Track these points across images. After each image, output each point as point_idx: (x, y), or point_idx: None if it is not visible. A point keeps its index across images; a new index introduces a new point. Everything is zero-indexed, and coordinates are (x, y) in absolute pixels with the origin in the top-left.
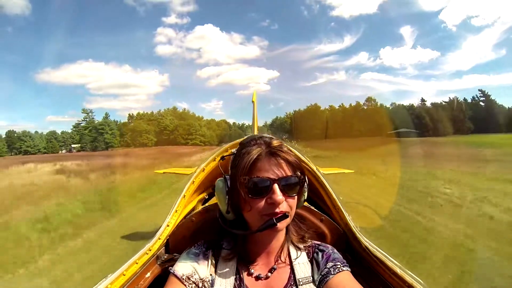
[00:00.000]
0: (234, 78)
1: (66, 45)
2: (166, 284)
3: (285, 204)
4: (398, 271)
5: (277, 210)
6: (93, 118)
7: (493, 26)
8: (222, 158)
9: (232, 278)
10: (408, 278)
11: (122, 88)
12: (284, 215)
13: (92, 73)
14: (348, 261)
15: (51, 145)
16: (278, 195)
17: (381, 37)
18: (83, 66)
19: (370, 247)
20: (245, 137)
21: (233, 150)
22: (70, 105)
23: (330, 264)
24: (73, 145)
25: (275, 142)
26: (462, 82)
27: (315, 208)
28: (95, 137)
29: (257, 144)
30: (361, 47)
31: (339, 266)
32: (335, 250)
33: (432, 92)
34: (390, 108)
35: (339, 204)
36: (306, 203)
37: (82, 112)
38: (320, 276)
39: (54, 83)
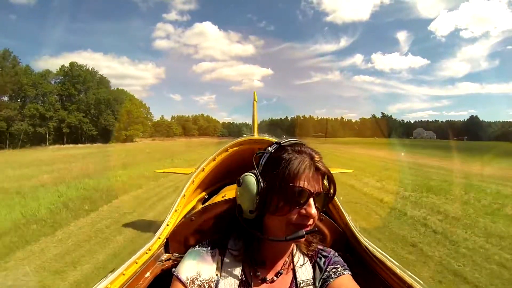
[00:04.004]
0: (228, 74)
1: (66, 35)
2: None
3: None
4: (398, 271)
5: (309, 222)
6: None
7: (482, 39)
8: (257, 153)
9: (238, 279)
10: (407, 279)
11: (118, 79)
12: (314, 229)
13: (90, 62)
14: (348, 261)
15: None
16: (313, 209)
17: (375, 42)
18: (82, 56)
19: (369, 247)
20: (285, 140)
21: (270, 148)
22: None
23: (330, 268)
24: None
25: (317, 156)
26: (455, 89)
27: None
28: (167, 130)
29: (300, 152)
30: (356, 49)
31: (340, 269)
32: (336, 254)
33: (424, 97)
34: (317, 119)
35: (339, 204)
36: None
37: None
38: (321, 280)
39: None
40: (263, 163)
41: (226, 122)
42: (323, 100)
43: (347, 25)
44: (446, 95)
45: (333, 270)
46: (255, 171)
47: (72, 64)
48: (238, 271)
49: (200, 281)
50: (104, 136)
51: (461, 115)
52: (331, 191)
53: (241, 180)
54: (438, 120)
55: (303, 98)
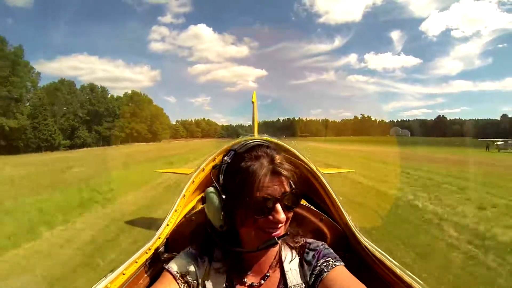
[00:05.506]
0: (223, 75)
1: (62, 38)
2: (159, 279)
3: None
4: (398, 271)
5: (279, 226)
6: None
7: (474, 38)
8: (215, 167)
9: (223, 287)
10: (407, 278)
11: (114, 82)
12: (286, 234)
13: (85, 65)
14: (348, 261)
15: None
16: (281, 214)
17: (368, 42)
18: (78, 59)
19: (369, 247)
20: (238, 143)
21: (226, 157)
22: None
23: (321, 261)
24: None
25: (278, 158)
26: (448, 87)
27: (314, 208)
28: (175, 132)
29: (258, 157)
30: (350, 49)
31: (331, 262)
32: (326, 246)
33: (418, 95)
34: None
35: (339, 204)
36: (306, 203)
37: None
38: (314, 275)
39: (46, 74)
40: (222, 174)
41: (224, 125)
42: (318, 100)
43: (340, 26)
44: (441, 93)
45: (325, 264)
46: (215, 185)
47: (133, 92)
48: (223, 279)
49: (188, 279)
50: (154, 138)
51: (454, 112)
52: (295, 188)
53: (205, 197)
54: (418, 119)
55: (298, 98)
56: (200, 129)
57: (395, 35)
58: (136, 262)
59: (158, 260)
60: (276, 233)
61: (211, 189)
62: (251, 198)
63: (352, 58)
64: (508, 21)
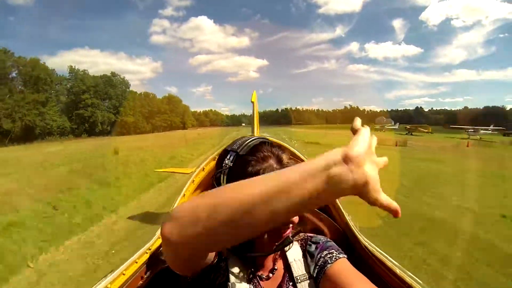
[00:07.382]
0: (224, 66)
1: (62, 33)
2: None
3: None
4: (398, 271)
5: (291, 225)
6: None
7: (476, 27)
8: (216, 174)
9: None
10: (408, 279)
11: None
12: (299, 231)
13: (87, 59)
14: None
15: None
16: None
17: (369, 31)
18: (79, 53)
19: (369, 247)
20: (236, 142)
21: (227, 161)
22: None
23: (325, 253)
24: None
25: (285, 157)
26: (451, 76)
27: None
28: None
29: (265, 158)
30: (351, 38)
31: (335, 254)
32: (328, 239)
33: (421, 84)
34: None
35: (339, 204)
36: None
37: None
38: (317, 267)
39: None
40: (225, 181)
41: (228, 114)
42: (319, 89)
43: (340, 16)
44: (443, 81)
45: (329, 256)
46: None
47: (170, 95)
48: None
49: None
50: (183, 127)
51: (457, 101)
52: None
53: None
54: (406, 109)
55: (299, 87)
56: (208, 119)
57: (397, 24)
58: (136, 262)
59: (158, 260)
60: (288, 231)
61: None
62: None
63: (354, 47)
64: (508, 11)
